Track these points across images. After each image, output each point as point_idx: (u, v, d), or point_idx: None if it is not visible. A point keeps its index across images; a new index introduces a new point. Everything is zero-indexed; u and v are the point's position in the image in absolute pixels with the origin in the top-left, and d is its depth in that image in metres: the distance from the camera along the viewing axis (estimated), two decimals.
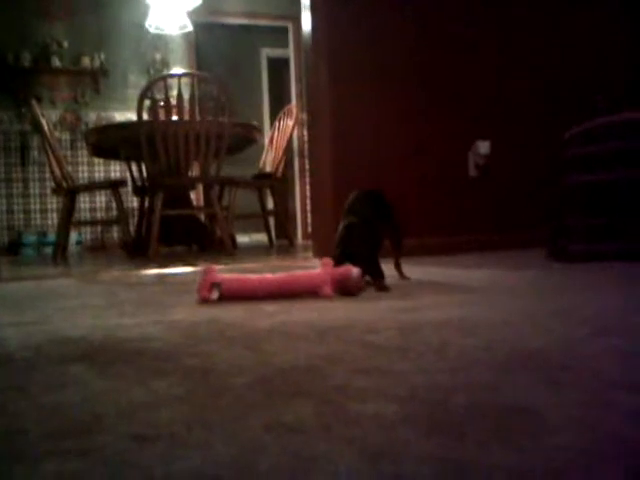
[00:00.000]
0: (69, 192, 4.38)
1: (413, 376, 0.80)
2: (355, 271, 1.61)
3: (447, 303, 1.49)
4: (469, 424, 0.61)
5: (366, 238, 1.80)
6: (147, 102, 3.94)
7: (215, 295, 1.62)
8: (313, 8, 3.25)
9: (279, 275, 1.69)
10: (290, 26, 7.16)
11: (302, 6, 3.39)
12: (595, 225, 2.46)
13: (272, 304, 1.52)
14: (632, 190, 2.39)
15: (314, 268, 1.67)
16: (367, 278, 1.75)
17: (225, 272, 1.79)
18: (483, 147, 3.43)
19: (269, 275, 1.70)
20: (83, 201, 6.23)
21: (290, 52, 7.27)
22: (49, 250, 5.47)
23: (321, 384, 0.78)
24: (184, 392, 0.77)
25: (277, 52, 7.79)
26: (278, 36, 7.41)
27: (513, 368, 0.83)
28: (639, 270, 2.10)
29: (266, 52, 7.98)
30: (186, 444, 0.60)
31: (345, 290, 1.62)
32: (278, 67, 7.87)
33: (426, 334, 1.09)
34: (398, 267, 2.07)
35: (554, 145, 3.07)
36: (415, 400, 0.70)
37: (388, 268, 1.88)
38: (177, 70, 6.28)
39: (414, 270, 2.11)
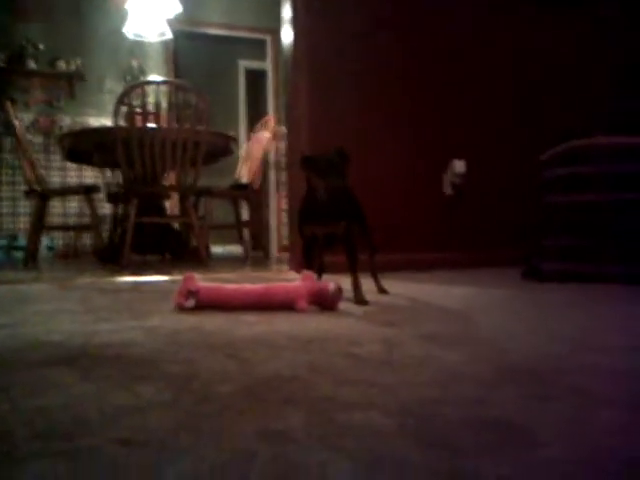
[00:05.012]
0: (41, 195, 4.31)
1: (400, 388, 0.80)
2: (332, 286, 1.61)
3: (426, 318, 1.50)
4: (461, 437, 0.62)
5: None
6: (124, 108, 3.90)
7: (190, 303, 1.61)
8: (294, 21, 3.27)
9: (256, 286, 1.68)
10: (269, 39, 7.18)
11: (282, 19, 3.41)
12: (570, 246, 2.51)
13: (252, 314, 1.51)
14: (608, 212, 2.45)
15: (293, 280, 1.66)
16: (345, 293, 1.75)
17: (203, 281, 1.77)
18: (459, 166, 3.47)
19: (246, 285, 1.69)
20: (55, 206, 6.12)
21: (268, 64, 7.29)
22: (19, 254, 5.35)
23: (308, 394, 0.78)
24: (170, 398, 0.76)
25: (255, 64, 7.79)
26: (256, 48, 7.42)
27: (499, 383, 0.83)
28: (610, 291, 2.14)
29: (244, 64, 7.97)
30: (176, 450, 0.59)
31: (323, 304, 1.61)
32: (255, 79, 7.88)
33: (409, 348, 1.09)
34: (375, 278, 2.07)
35: (529, 166, 3.13)
36: (404, 413, 0.70)
37: (366, 282, 1.88)
38: (155, 77, 6.24)
39: (391, 285, 2.12)
